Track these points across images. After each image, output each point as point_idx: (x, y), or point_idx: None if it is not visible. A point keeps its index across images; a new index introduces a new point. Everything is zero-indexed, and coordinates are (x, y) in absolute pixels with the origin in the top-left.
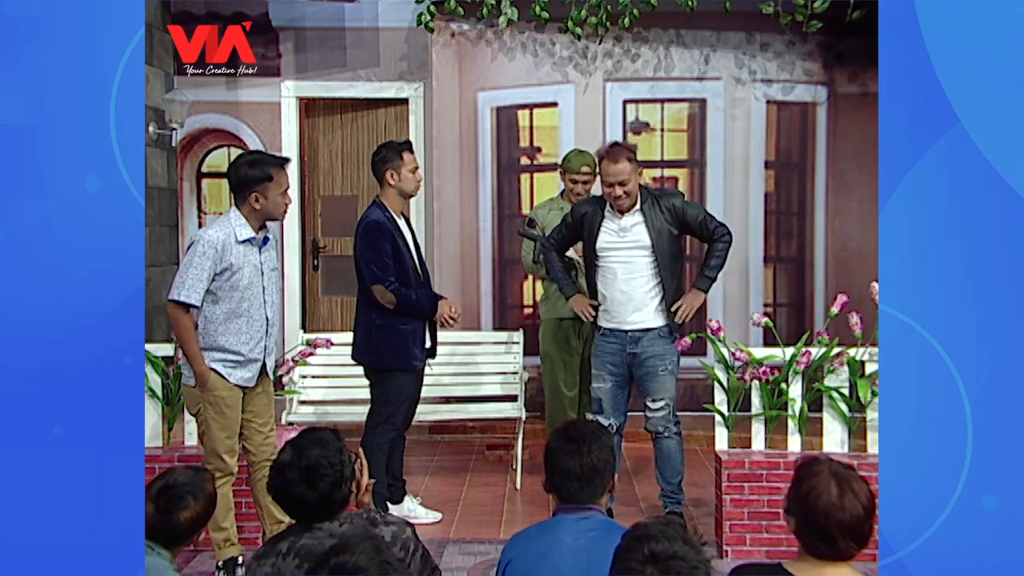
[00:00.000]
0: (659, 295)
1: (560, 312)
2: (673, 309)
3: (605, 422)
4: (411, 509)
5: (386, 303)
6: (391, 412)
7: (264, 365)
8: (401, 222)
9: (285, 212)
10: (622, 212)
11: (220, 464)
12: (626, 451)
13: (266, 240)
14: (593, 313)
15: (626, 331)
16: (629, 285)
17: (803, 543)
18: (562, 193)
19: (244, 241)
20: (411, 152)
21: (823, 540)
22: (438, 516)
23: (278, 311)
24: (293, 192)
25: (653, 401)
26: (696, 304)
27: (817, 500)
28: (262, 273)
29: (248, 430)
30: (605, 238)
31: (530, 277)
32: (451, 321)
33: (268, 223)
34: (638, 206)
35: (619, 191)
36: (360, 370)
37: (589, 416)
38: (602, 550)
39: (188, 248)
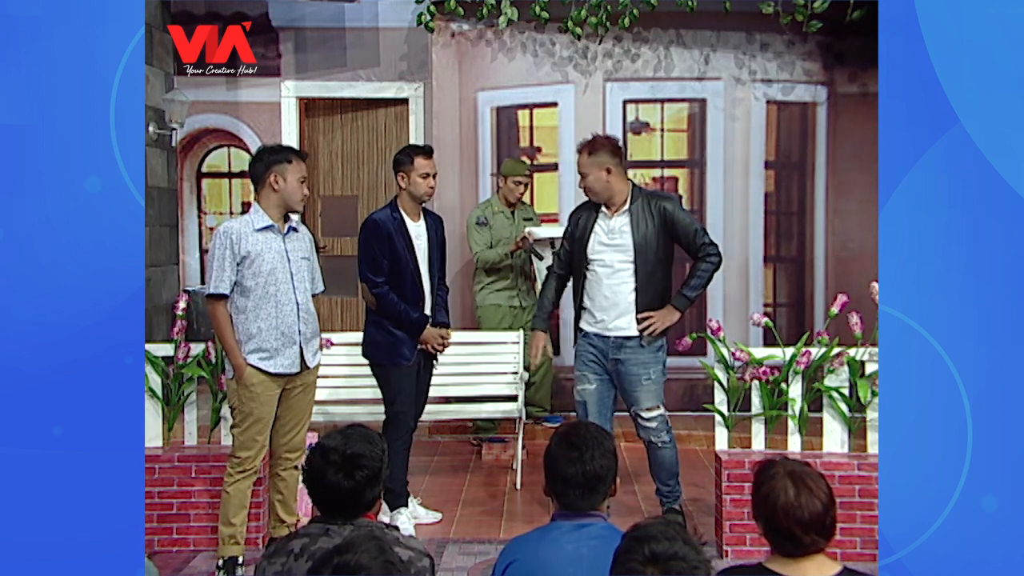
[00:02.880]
0: (635, 304)
1: (499, 299)
2: (640, 317)
3: None
4: (411, 509)
5: (368, 302)
6: (389, 408)
7: (303, 350)
8: (417, 225)
9: (302, 202)
10: (607, 208)
11: (244, 459)
12: (626, 452)
13: (291, 230)
14: (539, 357)
15: (608, 337)
16: (613, 291)
17: (772, 543)
18: (496, 193)
19: (261, 229)
20: (426, 157)
21: (788, 539)
22: (438, 516)
23: (310, 298)
24: None
25: (646, 411)
26: (668, 322)
27: (776, 502)
28: (288, 260)
29: (278, 426)
30: (595, 239)
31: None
32: (436, 349)
33: (293, 216)
34: (627, 206)
35: (581, 183)
36: (359, 370)
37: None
38: (605, 558)
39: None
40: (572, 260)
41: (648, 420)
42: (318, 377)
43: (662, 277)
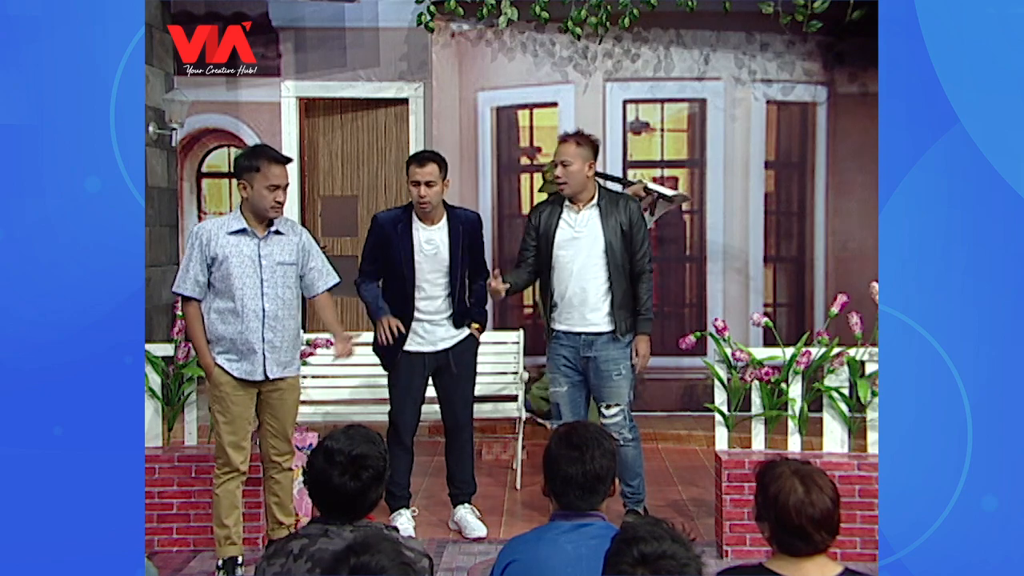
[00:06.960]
0: (610, 297)
1: None
2: (633, 362)
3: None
4: (461, 516)
5: None
6: (390, 409)
7: (266, 360)
8: (430, 230)
9: (271, 208)
10: (572, 203)
11: (226, 460)
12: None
13: (273, 234)
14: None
15: (579, 333)
16: (583, 285)
17: (779, 544)
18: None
19: (235, 232)
20: (417, 165)
21: (800, 537)
22: (484, 530)
23: (285, 306)
24: (293, 192)
25: (607, 407)
26: (649, 349)
27: (787, 501)
28: (260, 266)
29: (263, 430)
30: (562, 233)
31: None
32: (384, 338)
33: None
34: (594, 201)
35: (559, 171)
36: (358, 370)
37: (549, 424)
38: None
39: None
40: (539, 256)
41: (609, 417)
42: (317, 377)
43: (628, 272)
